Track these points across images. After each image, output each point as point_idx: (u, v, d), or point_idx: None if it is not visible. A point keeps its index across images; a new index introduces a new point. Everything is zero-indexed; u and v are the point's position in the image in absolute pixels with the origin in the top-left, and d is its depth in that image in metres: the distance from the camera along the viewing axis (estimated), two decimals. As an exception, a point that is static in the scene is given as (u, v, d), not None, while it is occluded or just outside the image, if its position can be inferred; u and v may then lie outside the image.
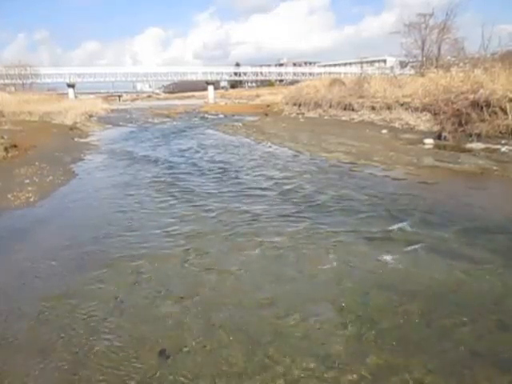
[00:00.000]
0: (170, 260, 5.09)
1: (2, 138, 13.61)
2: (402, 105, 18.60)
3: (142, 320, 3.77)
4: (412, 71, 27.89)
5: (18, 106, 26.36)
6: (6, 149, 12.54)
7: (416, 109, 17.55)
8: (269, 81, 78.53)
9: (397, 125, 17.93)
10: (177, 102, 68.00)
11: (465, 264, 4.64)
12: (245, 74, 75.53)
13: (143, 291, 4.33)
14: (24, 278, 4.74)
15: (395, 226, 5.93)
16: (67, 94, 59.38)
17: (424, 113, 17.02)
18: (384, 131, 16.85)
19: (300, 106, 27.78)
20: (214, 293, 4.23)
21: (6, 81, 47.55)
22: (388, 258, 4.89)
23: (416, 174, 9.32)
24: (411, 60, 30.20)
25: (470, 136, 13.07)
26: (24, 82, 48.90)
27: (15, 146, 13.23)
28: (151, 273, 4.75)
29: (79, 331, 3.62)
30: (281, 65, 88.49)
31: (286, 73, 76.26)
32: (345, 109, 22.69)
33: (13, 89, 43.40)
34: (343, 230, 5.87)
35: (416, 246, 5.19)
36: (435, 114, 15.98)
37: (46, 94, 44.02)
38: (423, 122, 16.76)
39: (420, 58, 28.89)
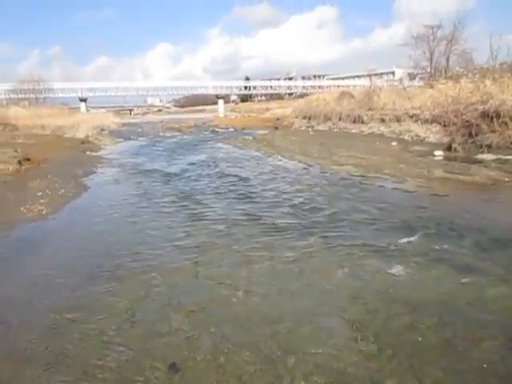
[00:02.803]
0: (181, 273, 5.12)
1: (16, 151, 13.88)
2: (411, 117, 18.58)
3: (153, 333, 3.79)
4: (421, 83, 27.91)
5: (32, 120, 26.86)
6: (19, 162, 12.78)
7: (425, 120, 17.51)
8: (278, 94, 78.87)
9: (406, 137, 17.91)
10: (187, 115, 68.65)
11: (478, 278, 4.60)
12: (254, 87, 76.08)
13: (154, 304, 4.36)
14: (35, 290, 4.81)
15: (406, 239, 5.90)
16: (79, 108, 60.40)
17: (433, 124, 16.97)
18: (394, 143, 16.84)
19: (309, 119, 27.88)
20: (225, 307, 4.25)
21: (20, 95, 48.48)
22: (399, 271, 4.87)
23: (427, 186, 9.28)
24: (420, 72, 30.24)
25: (481, 147, 13.00)
26: (37, 96, 49.84)
27: (28, 159, 13.46)
28: (162, 286, 4.78)
29: (89, 344, 3.65)
30: (290, 78, 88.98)
31: (296, 86, 76.63)
32: (354, 121, 22.72)
33: (26, 103, 44.20)
34: (354, 243, 5.85)
35: (427, 259, 5.16)
36: (445, 126, 15.93)
37: (59, 108, 44.75)
38: (433, 133, 16.71)
39: (428, 70, 28.92)
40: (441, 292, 4.32)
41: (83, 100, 63.33)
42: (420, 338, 3.53)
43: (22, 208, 8.21)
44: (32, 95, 49.35)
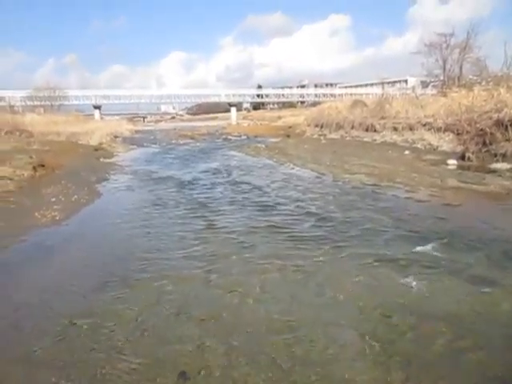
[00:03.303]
0: (192, 281, 5.13)
1: (31, 157, 14.09)
2: (424, 125, 18.47)
3: (163, 341, 3.80)
4: (434, 91, 27.74)
5: (47, 127, 27.29)
6: (34, 168, 12.98)
7: (439, 129, 17.40)
8: (290, 102, 79.08)
9: (419, 145, 17.79)
10: (200, 123, 69.04)
11: (492, 289, 4.54)
12: (267, 95, 76.41)
13: (164, 312, 4.37)
14: (48, 295, 4.86)
15: (419, 249, 5.85)
16: (93, 115, 61.25)
17: (447, 133, 16.85)
18: (406, 152, 16.74)
19: (322, 127, 27.88)
20: (236, 316, 4.24)
21: (36, 102, 49.34)
22: (412, 281, 4.83)
23: (440, 196, 9.20)
24: (433, 80, 30.08)
25: (495, 156, 12.87)
26: (53, 103, 50.66)
27: (43, 166, 13.67)
28: (173, 294, 4.80)
29: (100, 351, 3.67)
30: (302, 86, 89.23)
31: (308, 94, 76.74)
32: (367, 130, 22.66)
33: (42, 110, 44.93)
34: (366, 253, 5.82)
35: (441, 270, 5.11)
36: (458, 134, 15.81)
37: (73, 115, 45.45)
38: (446, 142, 16.59)
39: (441, 78, 28.74)
40: (454, 304, 4.27)
41: (97, 107, 64.20)
42: (433, 351, 3.49)
43: (36, 213, 8.33)
44: (47, 102, 50.19)
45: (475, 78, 25.14)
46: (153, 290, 4.90)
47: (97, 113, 63.15)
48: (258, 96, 76.75)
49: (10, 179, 11.35)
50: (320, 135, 26.99)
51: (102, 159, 19.15)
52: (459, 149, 15.00)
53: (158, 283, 5.06)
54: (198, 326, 4.06)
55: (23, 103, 50.02)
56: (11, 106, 38.24)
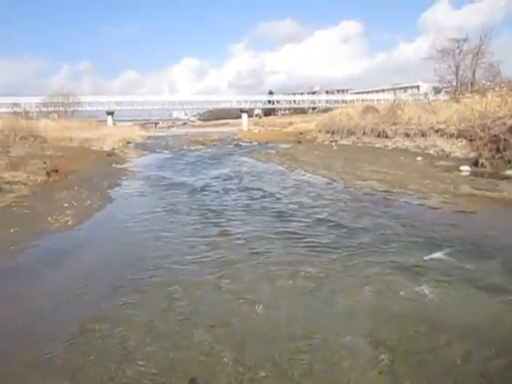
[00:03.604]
0: (203, 287, 5.13)
1: (45, 162, 14.31)
2: (436, 131, 18.34)
3: (174, 347, 3.80)
4: (446, 97, 27.54)
5: (60, 133, 27.63)
6: (47, 173, 13.17)
7: (451, 135, 17.27)
8: (302, 108, 79.18)
9: (432, 151, 17.66)
10: (211, 129, 69.46)
11: (505, 298, 4.47)
12: (278, 101, 76.60)
13: (175, 318, 4.37)
14: (60, 300, 4.90)
15: (432, 257, 5.79)
16: (106, 121, 61.97)
17: (459, 139, 16.71)
18: (419, 158, 16.61)
19: (333, 133, 27.84)
20: (246, 322, 4.23)
21: (50, 108, 50.04)
22: (425, 289, 4.77)
23: (453, 203, 9.10)
24: (445, 85, 29.89)
25: (509, 162, 12.72)
26: (66, 109, 51.35)
27: (56, 171, 13.86)
28: (184, 299, 4.80)
29: (111, 356, 3.69)
30: (313, 92, 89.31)
31: (319, 100, 76.84)
32: (378, 136, 22.56)
33: (56, 116, 45.55)
34: (378, 261, 5.77)
35: (454, 278, 5.05)
36: (471, 140, 15.66)
37: (87, 121, 46.00)
38: (459, 148, 16.45)
39: (454, 84, 28.56)
40: (469, 313, 4.21)
41: (110, 113, 64.98)
42: (446, 361, 3.44)
43: (49, 218, 8.42)
44: (61, 108, 50.89)
45: (488, 83, 24.96)
46: (163, 295, 4.91)
47: (110, 119, 63.93)
48: (269, 102, 77.00)
49: (24, 184, 11.52)
50: (331, 141, 26.93)
51: (114, 165, 19.33)
52: (472, 155, 14.85)
53: (169, 289, 5.07)
54: (208, 332, 4.05)
55: (38, 109, 50.73)
56: (26, 112, 38.78)
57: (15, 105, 45.32)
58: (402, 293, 4.74)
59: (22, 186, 11.27)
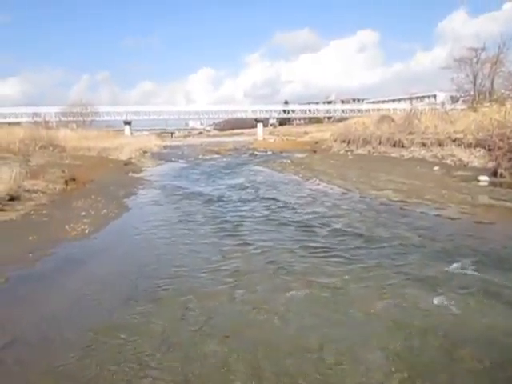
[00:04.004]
0: (217, 297, 5.13)
1: (63, 171, 14.56)
2: (454, 141, 18.10)
3: (188, 357, 3.79)
4: (464, 106, 27.22)
5: (79, 142, 28.15)
6: (66, 182, 13.40)
7: (469, 145, 17.01)
8: (317, 118, 79.12)
9: (449, 161, 17.42)
10: (227, 138, 69.81)
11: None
12: (293, 111, 76.69)
13: (190, 328, 4.37)
14: (77, 308, 4.96)
15: (450, 268, 5.69)
16: (123, 130, 62.87)
17: (477, 149, 16.46)
18: (436, 168, 16.40)
19: (349, 142, 27.69)
20: (261, 333, 4.20)
21: (69, 118, 51.00)
22: (442, 301, 4.70)
23: (471, 214, 8.95)
24: (463, 95, 29.55)
25: (529, 173, 12.46)
26: (85, 119, 52.27)
27: (74, 180, 14.10)
28: (198, 309, 4.80)
29: (125, 365, 3.70)
30: (329, 102, 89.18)
31: (335, 110, 76.63)
32: (394, 145, 22.35)
33: (74, 126, 46.38)
34: (395, 272, 5.70)
35: (472, 290, 4.95)
36: (490, 150, 15.41)
37: (104, 130, 46.76)
38: (477, 158, 16.19)
39: (472, 93, 28.20)
40: (487, 326, 4.12)
41: (127, 123, 65.87)
42: (465, 377, 3.36)
43: (66, 226, 8.54)
44: (80, 118, 51.82)
45: (507, 92, 24.59)
46: (178, 305, 4.92)
47: (127, 128, 64.81)
48: (284, 112, 77.13)
49: (43, 192, 11.73)
50: (347, 151, 26.80)
51: (130, 174, 19.55)
52: (491, 165, 14.60)
53: (184, 298, 5.08)
54: (222, 342, 4.04)
55: (57, 119, 51.73)
56: (46, 122, 39.60)
57: (35, 114, 46.24)
58: (419, 305, 4.66)
59: (41, 195, 11.47)
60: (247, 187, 14.75)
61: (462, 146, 17.41)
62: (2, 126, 22.56)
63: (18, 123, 43.68)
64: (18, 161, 14.49)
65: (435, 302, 4.70)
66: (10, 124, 31.75)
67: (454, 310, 4.51)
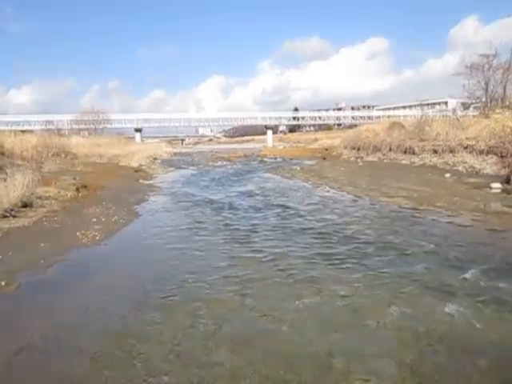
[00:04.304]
0: (227, 304, 5.11)
1: (75, 178, 14.72)
2: (465, 148, 17.95)
3: (197, 365, 3.78)
4: (475, 113, 27.00)
5: (90, 149, 28.50)
6: (77, 189, 13.52)
7: (481, 151, 16.86)
8: (327, 125, 79.14)
9: (460, 168, 17.28)
10: (236, 145, 70.11)
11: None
12: (303, 118, 76.85)
13: (199, 335, 4.36)
14: (88, 315, 4.96)
15: (462, 277, 5.62)
16: (134, 137, 63.48)
17: (490, 156, 16.31)
18: (447, 175, 16.26)
19: (359, 149, 27.61)
20: (270, 341, 4.18)
21: (81, 126, 51.72)
22: (454, 310, 4.63)
23: (483, 221, 8.84)
24: (474, 101, 29.32)
25: (543, 180, 12.29)
26: (96, 126, 52.96)
27: (85, 187, 14.22)
28: (208, 317, 4.79)
29: (136, 372, 3.70)
30: (339, 109, 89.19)
31: (345, 117, 76.67)
32: (405, 152, 22.24)
33: (86, 133, 47.01)
34: (406, 279, 5.64)
35: (486, 299, 4.88)
36: (502, 157, 15.27)
37: (115, 137, 47.26)
38: (489, 165, 16.04)
39: (484, 99, 27.98)
40: (501, 336, 4.05)
41: (138, 130, 66.54)
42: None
43: (77, 233, 8.60)
44: (92, 126, 52.50)
45: (521, 98, 24.36)
46: (188, 312, 4.91)
47: (138, 136, 65.47)
48: (294, 119, 77.38)
49: (55, 199, 11.84)
50: (357, 157, 26.73)
51: (141, 181, 19.67)
52: (503, 172, 14.46)
53: (194, 305, 5.07)
54: (232, 350, 4.02)
55: (70, 126, 52.46)
56: (59, 130, 40.17)
57: (48, 122, 47.03)
58: (432, 314, 4.61)
59: (53, 201, 11.58)
60: (257, 194, 14.75)
61: (474, 152, 17.27)
62: (16, 133, 22.81)
63: (32, 131, 44.43)
64: (31, 168, 14.69)
65: (448, 310, 4.64)
66: (23, 131, 32.17)
67: (467, 319, 4.44)
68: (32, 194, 10.83)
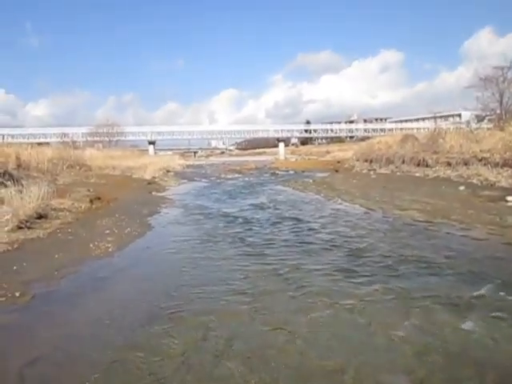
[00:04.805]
0: (238, 317, 5.08)
1: (89, 190, 14.90)
2: (480, 160, 17.74)
3: (208, 379, 3.75)
4: (490, 125, 26.77)
5: (104, 161, 28.87)
6: (91, 201, 13.68)
7: (496, 164, 16.65)
8: (339, 137, 79.10)
9: (475, 181, 17.05)
10: (248, 158, 70.30)
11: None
12: (315, 130, 76.98)
13: (210, 348, 4.33)
14: (99, 327, 4.97)
15: (478, 291, 5.51)
16: (147, 150, 64.21)
17: (505, 168, 16.08)
18: (461, 188, 16.06)
19: (371, 162, 27.50)
20: (282, 355, 4.13)
21: (96, 138, 52.53)
22: (470, 326, 4.53)
23: (499, 234, 8.70)
24: (488, 114, 29.11)
25: (561, 193, 12.07)
26: (110, 139, 53.73)
27: (99, 198, 14.38)
28: (219, 329, 4.76)
29: (147, 386, 3.68)
30: (351, 121, 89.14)
31: (357, 129, 76.62)
32: (418, 165, 22.07)
33: (100, 145, 47.69)
34: (420, 294, 5.55)
35: (502, 315, 4.76)
36: (518, 170, 15.04)
37: (129, 150, 47.88)
38: (505, 177, 15.80)
39: (498, 112, 27.76)
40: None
41: (152, 143, 67.32)
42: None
43: (91, 245, 8.67)
44: (106, 138, 53.27)
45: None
46: (199, 325, 4.89)
47: (151, 148, 66.22)
48: (306, 131, 77.53)
49: (69, 211, 11.98)
50: (369, 170, 26.60)
51: (154, 193, 19.81)
52: (519, 185, 14.24)
53: (204, 318, 5.05)
54: (243, 364, 3.98)
55: (84, 139, 53.30)
56: (74, 142, 40.82)
57: (64, 135, 47.79)
58: (446, 330, 4.51)
59: (67, 213, 11.72)
60: (269, 207, 14.73)
61: (489, 165, 17.06)
62: (32, 146, 23.25)
63: (48, 143, 45.28)
64: (47, 180, 14.90)
65: (464, 326, 4.55)
66: (39, 144, 32.81)
67: (483, 335, 4.34)
68: (47, 205, 10.98)
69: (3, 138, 56.82)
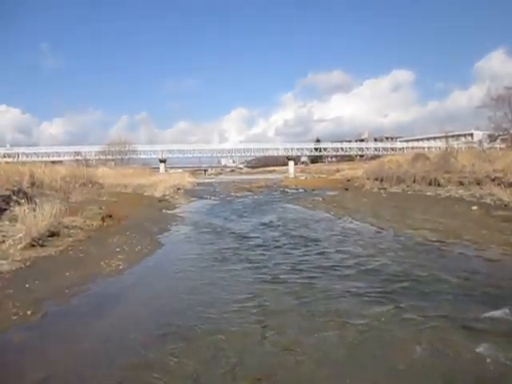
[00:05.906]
0: (249, 337, 5.05)
1: (101, 208, 15.00)
2: (493, 180, 17.62)
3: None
4: (502, 145, 26.62)
5: (116, 179, 29.14)
6: (102, 218, 13.79)
7: (509, 184, 16.52)
8: (349, 156, 79.10)
9: (488, 201, 16.88)
10: (258, 176, 70.44)
11: None
12: (325, 149, 77.17)
13: (220, 368, 4.30)
14: (109, 345, 4.98)
15: (493, 314, 5.40)
16: (158, 168, 64.84)
17: (519, 188, 15.92)
18: (474, 207, 15.90)
19: (382, 180, 27.42)
20: (292, 376, 4.09)
21: (108, 156, 53.22)
22: (485, 349, 4.43)
23: (513, 255, 8.56)
24: (501, 133, 28.97)
25: None
26: (123, 157, 54.39)
27: (110, 216, 14.48)
28: (229, 349, 4.73)
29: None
30: (362, 140, 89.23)
31: (367, 148, 76.63)
32: (430, 184, 21.96)
33: (113, 163, 48.28)
34: (433, 315, 5.47)
35: (517, 338, 4.67)
36: (532, 190, 14.88)
37: (140, 168, 48.36)
38: (519, 197, 15.63)
39: (511, 131, 27.62)
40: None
41: (163, 161, 68.01)
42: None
43: (102, 263, 8.71)
44: (118, 156, 53.93)
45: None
46: (209, 344, 4.86)
47: (162, 166, 66.86)
48: (316, 149, 77.66)
49: (81, 229, 12.09)
50: (380, 189, 26.49)
51: (164, 210, 19.89)
52: (533, 205, 14.06)
53: (214, 338, 5.02)
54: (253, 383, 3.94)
55: (97, 157, 54.03)
56: (86, 160, 41.41)
57: (77, 153, 48.57)
58: (461, 352, 4.42)
59: (79, 231, 11.82)
60: (278, 225, 14.67)
61: (502, 185, 16.92)
62: (46, 164, 23.61)
63: (61, 161, 46.01)
64: (59, 198, 15.08)
65: (478, 349, 4.45)
66: (53, 162, 33.33)
67: (497, 358, 4.24)
68: (59, 223, 11.10)
69: (18, 157, 57.89)
